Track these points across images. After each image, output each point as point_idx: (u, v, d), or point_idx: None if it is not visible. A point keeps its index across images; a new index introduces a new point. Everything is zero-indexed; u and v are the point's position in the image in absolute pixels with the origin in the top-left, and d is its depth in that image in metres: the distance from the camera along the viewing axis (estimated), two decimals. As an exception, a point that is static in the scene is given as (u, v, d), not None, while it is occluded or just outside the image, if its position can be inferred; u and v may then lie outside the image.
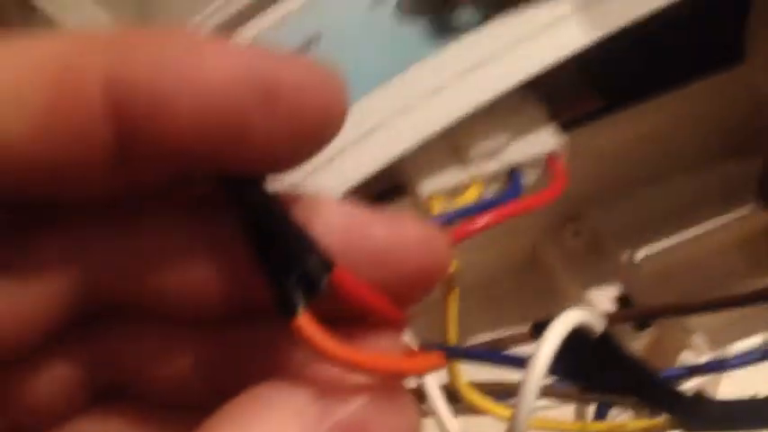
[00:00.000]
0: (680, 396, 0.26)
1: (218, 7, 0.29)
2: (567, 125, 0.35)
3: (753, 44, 0.40)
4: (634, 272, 0.41)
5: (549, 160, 0.29)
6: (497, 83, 0.27)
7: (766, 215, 0.39)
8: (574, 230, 0.43)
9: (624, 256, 0.41)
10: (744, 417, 0.27)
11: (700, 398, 0.27)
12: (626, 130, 0.41)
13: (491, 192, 0.28)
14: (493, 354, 0.26)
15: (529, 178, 0.29)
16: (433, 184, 0.27)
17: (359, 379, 0.17)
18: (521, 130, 0.29)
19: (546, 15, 0.27)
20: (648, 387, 0.24)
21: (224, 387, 0.17)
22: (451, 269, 0.25)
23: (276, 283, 0.16)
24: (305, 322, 0.16)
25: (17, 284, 0.17)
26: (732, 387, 0.37)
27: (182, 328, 0.19)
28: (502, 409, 0.28)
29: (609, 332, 0.21)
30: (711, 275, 0.41)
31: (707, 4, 0.36)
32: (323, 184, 0.25)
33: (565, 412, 0.34)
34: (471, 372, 0.29)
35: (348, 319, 0.17)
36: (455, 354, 0.27)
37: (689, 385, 0.32)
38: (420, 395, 0.28)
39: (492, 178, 0.28)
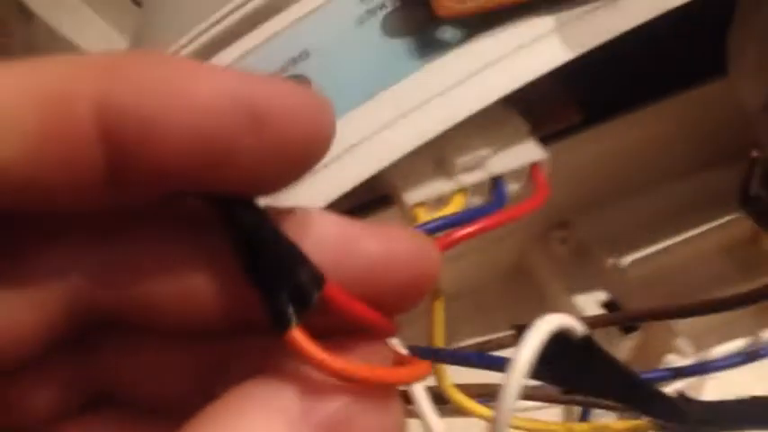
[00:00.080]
0: (661, 397, 0.26)
1: (209, 25, 0.30)
2: (551, 137, 0.36)
3: (734, 57, 0.41)
4: (620, 277, 0.41)
5: (531, 171, 0.30)
6: (480, 97, 0.27)
7: (749, 222, 0.40)
8: (561, 238, 0.43)
9: (610, 263, 0.42)
10: (724, 417, 0.28)
11: (680, 399, 0.27)
12: (612, 142, 0.42)
13: (475, 202, 0.29)
14: (476, 356, 0.27)
15: (512, 188, 0.29)
16: (419, 195, 0.28)
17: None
18: (504, 143, 0.29)
19: (526, 33, 0.28)
20: (630, 389, 0.25)
21: (215, 395, 0.17)
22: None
23: (268, 297, 0.16)
24: (297, 335, 0.16)
25: (11, 298, 0.18)
26: (717, 390, 0.38)
27: (174, 339, 0.19)
28: (487, 411, 0.28)
29: (590, 335, 0.22)
30: (696, 281, 0.42)
31: (688, 18, 0.37)
32: (311, 194, 0.26)
33: (552, 414, 0.34)
34: (458, 375, 0.29)
35: (339, 330, 0.18)
36: (441, 356, 0.27)
37: (674, 388, 0.33)
38: (406, 396, 0.29)
39: (476, 189, 0.29)
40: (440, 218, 0.27)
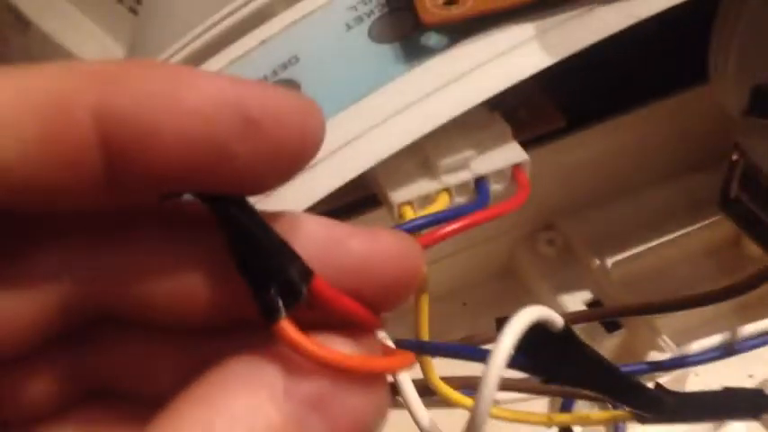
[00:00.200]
0: (639, 388, 0.27)
1: (202, 30, 0.30)
2: (537, 142, 0.37)
3: (715, 64, 0.41)
4: (604, 278, 0.42)
5: (514, 172, 0.30)
6: (463, 101, 0.28)
7: (731, 225, 0.41)
8: (548, 239, 0.44)
9: (595, 263, 0.42)
10: (699, 407, 0.28)
11: (657, 390, 0.28)
12: (597, 146, 0.43)
13: (460, 201, 0.30)
14: (459, 348, 0.28)
15: (495, 189, 0.30)
16: (405, 194, 0.29)
17: None
18: (487, 145, 0.30)
19: (508, 39, 0.29)
20: (609, 380, 0.26)
21: None
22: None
23: (259, 291, 0.17)
24: (286, 326, 0.17)
25: (9, 294, 0.18)
26: (699, 385, 0.39)
27: (168, 334, 0.20)
28: (471, 402, 0.29)
29: (569, 327, 0.22)
30: (679, 282, 0.42)
31: (669, 26, 0.38)
32: (302, 191, 0.27)
33: (536, 407, 0.35)
34: (444, 368, 0.30)
35: (327, 326, 0.18)
36: (426, 348, 0.28)
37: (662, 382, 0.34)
38: (394, 388, 0.29)
39: (460, 189, 0.30)
40: (425, 216, 0.28)
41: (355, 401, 0.18)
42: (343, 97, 0.28)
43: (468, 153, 0.29)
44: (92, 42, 0.43)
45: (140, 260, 0.19)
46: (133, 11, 0.41)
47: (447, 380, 0.30)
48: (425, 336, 0.28)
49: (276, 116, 0.17)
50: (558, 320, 0.22)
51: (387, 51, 0.29)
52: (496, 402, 0.32)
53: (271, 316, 0.17)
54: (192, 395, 0.17)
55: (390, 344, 0.22)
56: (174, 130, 0.16)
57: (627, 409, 0.28)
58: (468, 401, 0.29)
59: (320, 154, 0.27)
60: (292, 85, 0.29)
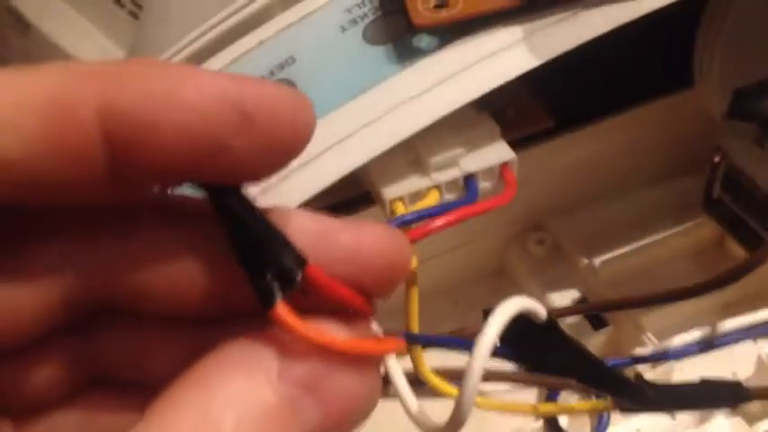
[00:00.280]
0: (621, 379, 0.28)
1: (201, 32, 0.31)
2: (528, 144, 0.38)
3: (700, 69, 0.42)
4: (592, 276, 0.43)
5: (502, 170, 0.31)
6: (452, 100, 0.29)
7: (715, 225, 0.42)
8: (537, 239, 0.45)
9: (583, 263, 0.43)
10: (678, 397, 0.29)
11: (638, 381, 0.29)
12: (585, 149, 0.44)
13: (449, 198, 0.30)
14: (447, 339, 0.29)
15: (484, 186, 0.31)
16: (396, 190, 0.29)
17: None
18: (476, 144, 0.31)
19: (496, 41, 0.30)
20: (592, 370, 0.27)
21: None
22: (412, 266, 0.26)
23: (256, 277, 0.18)
24: (282, 311, 0.17)
25: (12, 285, 0.19)
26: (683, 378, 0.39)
27: (167, 324, 0.20)
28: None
29: (553, 318, 0.23)
30: (664, 280, 0.42)
31: (655, 30, 0.38)
32: (299, 186, 0.27)
33: (524, 398, 0.36)
34: (435, 360, 0.31)
35: (321, 313, 0.19)
36: (416, 339, 0.29)
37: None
38: (385, 379, 0.30)
39: (450, 186, 0.30)
40: (415, 211, 0.28)
41: (348, 384, 0.18)
42: (338, 96, 0.29)
43: (457, 151, 0.30)
44: (91, 45, 0.43)
45: (139, 252, 0.19)
46: (133, 14, 0.41)
47: (437, 371, 0.31)
48: (416, 328, 0.29)
49: (270, 111, 0.17)
50: (542, 312, 0.23)
51: (380, 52, 0.30)
52: (484, 393, 0.33)
53: (267, 301, 0.17)
54: (189, 379, 0.17)
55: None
56: (174, 126, 0.17)
57: (609, 398, 0.29)
58: (457, 392, 0.30)
59: (314, 151, 0.28)
60: (289, 84, 0.29)
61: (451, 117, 0.29)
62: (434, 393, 0.31)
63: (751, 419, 0.39)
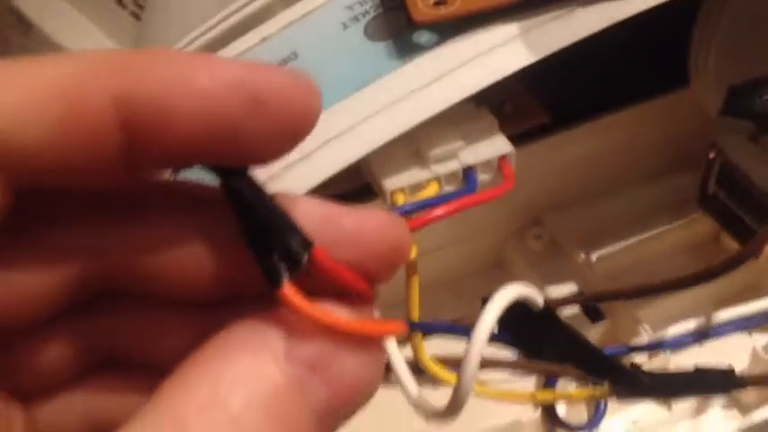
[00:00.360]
0: (617, 366, 0.29)
1: (205, 29, 0.32)
2: (527, 140, 0.39)
3: (695, 67, 0.43)
4: (589, 271, 0.44)
5: (500, 162, 0.32)
6: (451, 94, 0.30)
7: (710, 221, 0.42)
8: (535, 234, 0.45)
9: (581, 258, 0.44)
10: (672, 385, 0.30)
11: (633, 369, 0.30)
12: (583, 145, 0.44)
13: (448, 190, 0.31)
14: (446, 325, 0.29)
15: (483, 178, 0.31)
16: (397, 182, 0.30)
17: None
18: (475, 137, 0.31)
19: (494, 37, 0.30)
20: (588, 357, 0.27)
21: None
22: (413, 255, 0.27)
23: (263, 258, 0.18)
24: (289, 291, 0.18)
25: (26, 268, 0.19)
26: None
27: (176, 307, 0.21)
28: None
29: (550, 306, 0.24)
30: (660, 275, 0.43)
31: (651, 29, 0.39)
32: (303, 175, 0.28)
33: (522, 387, 0.36)
34: (434, 350, 0.32)
35: (326, 295, 0.19)
36: (416, 326, 0.29)
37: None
38: (386, 367, 0.31)
39: (449, 178, 0.31)
40: (415, 201, 0.29)
41: (353, 365, 0.18)
42: (340, 90, 0.30)
43: (456, 144, 0.31)
44: (93, 45, 0.43)
45: (148, 236, 0.20)
46: (135, 15, 0.42)
47: (436, 359, 0.32)
48: (416, 317, 0.30)
49: (280, 95, 0.18)
50: (539, 299, 0.23)
51: (381, 48, 0.31)
52: (483, 383, 0.34)
53: (274, 281, 0.18)
54: (197, 359, 0.18)
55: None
56: (188, 112, 0.17)
57: (606, 386, 0.29)
58: (455, 379, 0.30)
59: (317, 143, 0.29)
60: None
61: (451, 111, 0.30)
62: (434, 382, 0.32)
63: (745, 410, 0.39)
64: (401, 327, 0.21)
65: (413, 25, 0.30)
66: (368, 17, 0.31)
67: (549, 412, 0.36)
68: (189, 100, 0.17)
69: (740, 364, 0.41)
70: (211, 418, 0.17)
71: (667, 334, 0.36)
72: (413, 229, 0.27)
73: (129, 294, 0.21)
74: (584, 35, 0.30)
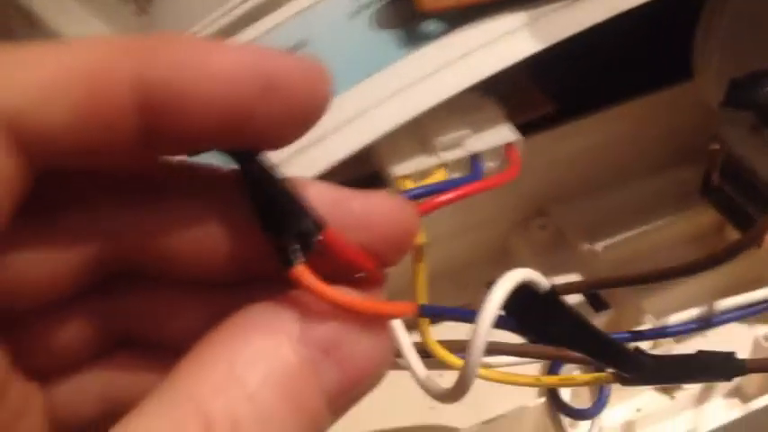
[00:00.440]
0: (621, 350, 0.29)
1: (212, 19, 0.32)
2: (532, 131, 0.39)
3: (699, 60, 0.43)
4: (593, 261, 0.44)
5: (506, 150, 0.32)
6: (458, 82, 0.30)
7: (714, 213, 0.42)
8: (540, 224, 0.46)
9: (585, 248, 0.44)
10: (675, 369, 0.30)
11: (637, 353, 0.30)
12: (588, 138, 0.45)
13: (455, 176, 0.32)
14: (454, 310, 0.30)
15: (489, 166, 0.32)
16: (404, 168, 0.31)
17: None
18: (481, 125, 0.32)
19: (500, 27, 0.31)
20: (593, 342, 0.27)
21: None
22: (420, 241, 0.28)
23: (277, 239, 0.19)
24: (302, 271, 0.18)
25: (45, 248, 0.19)
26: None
27: (191, 288, 0.21)
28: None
29: (555, 290, 0.24)
30: (664, 265, 0.44)
31: (655, 21, 0.39)
32: (313, 160, 0.29)
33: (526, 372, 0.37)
34: (440, 336, 0.32)
35: (338, 279, 0.19)
36: (423, 311, 0.30)
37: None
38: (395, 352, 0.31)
39: (456, 165, 0.32)
40: (422, 186, 0.30)
41: (364, 348, 0.19)
42: (347, 79, 0.30)
43: (463, 132, 0.32)
44: (85, 28, 0.42)
45: (165, 218, 0.20)
46: (140, 9, 0.41)
47: (442, 343, 0.32)
48: (423, 300, 0.30)
49: (291, 78, 0.18)
50: (544, 283, 0.23)
51: (388, 37, 0.31)
52: (489, 366, 0.34)
53: (288, 261, 0.18)
54: (215, 338, 0.18)
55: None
56: (204, 95, 0.17)
57: (610, 370, 0.30)
58: (461, 362, 0.31)
59: (325, 129, 0.29)
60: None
61: (458, 100, 0.31)
62: (440, 366, 0.32)
63: (746, 399, 0.40)
64: (412, 307, 0.22)
65: (419, 15, 0.31)
66: (375, 7, 0.32)
67: (553, 397, 0.36)
68: (204, 84, 0.17)
69: (742, 354, 0.41)
70: (228, 395, 0.17)
71: (670, 321, 0.36)
72: (420, 214, 0.27)
73: (145, 275, 0.21)
74: (589, 24, 0.31)
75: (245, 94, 0.18)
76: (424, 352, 0.32)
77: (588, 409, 0.36)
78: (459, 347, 0.33)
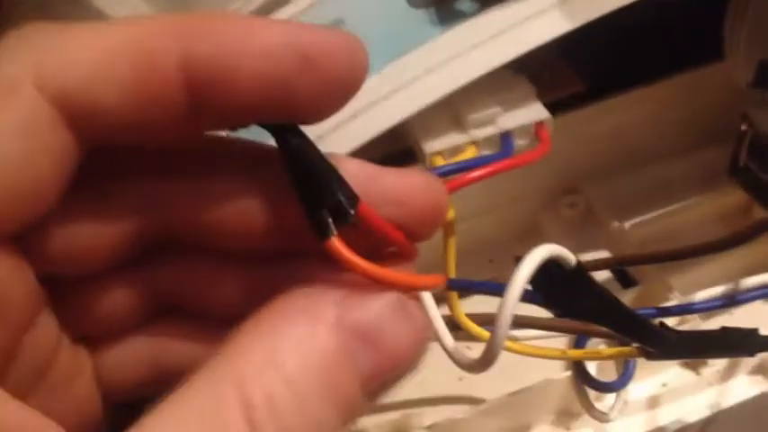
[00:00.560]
0: (646, 325, 0.29)
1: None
2: (560, 109, 0.39)
3: (729, 40, 0.43)
4: (622, 239, 0.44)
5: (536, 129, 0.33)
6: (491, 60, 0.31)
7: (741, 193, 0.43)
8: (570, 202, 0.46)
9: (614, 225, 0.44)
10: (700, 344, 0.31)
11: (661, 328, 0.30)
12: (618, 116, 0.45)
13: (486, 153, 0.32)
14: (483, 284, 0.30)
15: (519, 144, 0.33)
16: (437, 145, 0.31)
17: (376, 291, 0.19)
18: (513, 103, 0.32)
19: (533, 5, 0.31)
20: (618, 316, 0.28)
21: None
22: (450, 216, 0.28)
23: (313, 211, 0.19)
24: (336, 243, 0.19)
25: (94, 218, 0.20)
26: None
27: (231, 259, 0.22)
28: None
29: (581, 265, 0.24)
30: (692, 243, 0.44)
31: (685, 3, 0.40)
32: (351, 134, 0.29)
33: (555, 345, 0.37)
34: (470, 307, 0.33)
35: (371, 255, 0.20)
36: (452, 284, 0.30)
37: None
38: None
39: (487, 142, 0.32)
40: (453, 162, 0.30)
41: (400, 334, 0.19)
42: (383, 56, 0.31)
43: (495, 110, 0.32)
44: (129, 10, 0.44)
45: (206, 191, 0.21)
46: None
47: (471, 316, 0.33)
48: (452, 274, 0.31)
49: (329, 52, 0.19)
50: (571, 258, 0.24)
51: (423, 15, 0.32)
52: (516, 339, 0.35)
53: (323, 233, 0.19)
54: (255, 323, 0.19)
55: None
56: (247, 70, 0.18)
57: (635, 345, 0.30)
58: (488, 335, 0.31)
59: (361, 106, 0.30)
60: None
61: (490, 78, 0.31)
62: (469, 338, 0.33)
63: (771, 376, 0.40)
64: (442, 279, 0.23)
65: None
66: (411, -15, 0.32)
67: (579, 370, 0.37)
68: (248, 59, 0.18)
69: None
70: (267, 378, 0.18)
71: (696, 297, 0.36)
72: (451, 191, 0.28)
73: (187, 247, 0.22)
74: (622, 4, 0.31)
75: (287, 68, 0.18)
76: (453, 324, 0.32)
77: (613, 382, 0.36)
78: (487, 320, 0.33)
